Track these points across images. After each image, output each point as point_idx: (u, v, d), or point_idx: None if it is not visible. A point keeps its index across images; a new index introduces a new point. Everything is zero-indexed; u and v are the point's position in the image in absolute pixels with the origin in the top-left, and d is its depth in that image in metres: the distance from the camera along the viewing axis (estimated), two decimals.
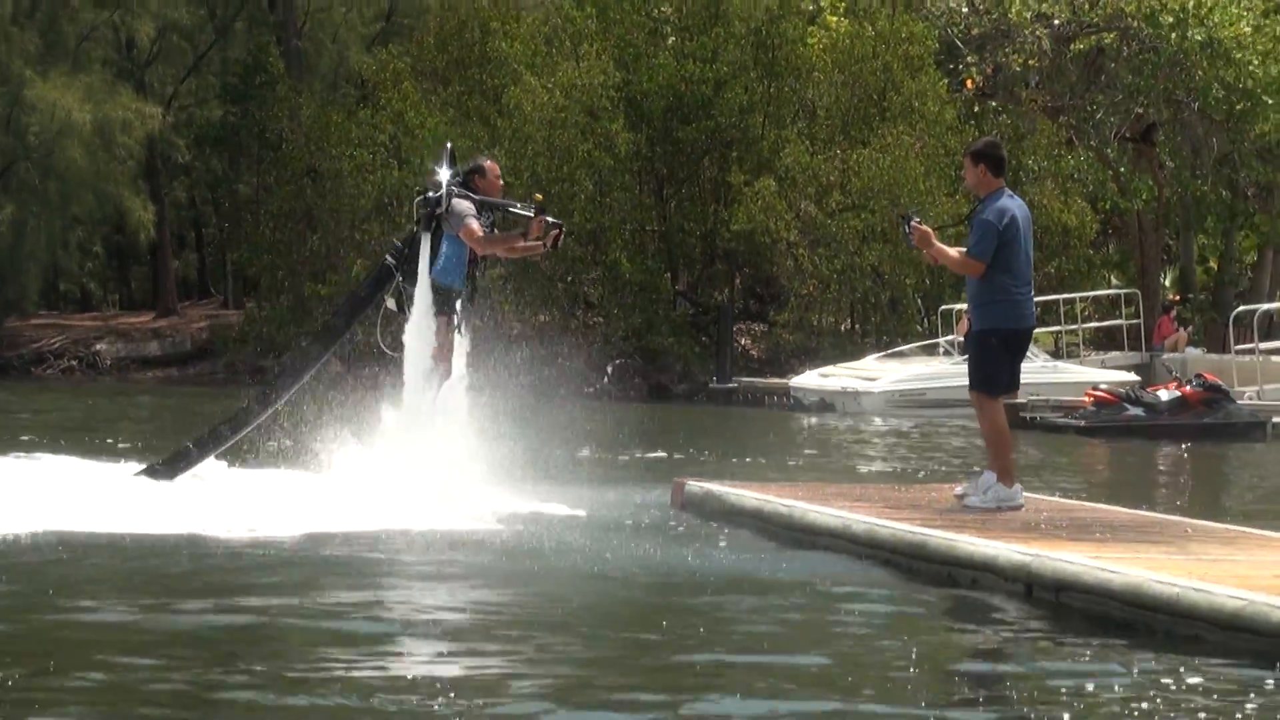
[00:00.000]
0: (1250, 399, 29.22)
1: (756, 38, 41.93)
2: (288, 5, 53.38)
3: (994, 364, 12.13)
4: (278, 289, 45.61)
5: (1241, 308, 35.33)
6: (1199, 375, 28.12)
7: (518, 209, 13.53)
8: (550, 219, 13.13)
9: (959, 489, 12.46)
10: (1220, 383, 27.54)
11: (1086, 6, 40.04)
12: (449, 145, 14.20)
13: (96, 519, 11.58)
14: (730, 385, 37.98)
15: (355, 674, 7.26)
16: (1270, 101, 39.33)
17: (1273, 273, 44.79)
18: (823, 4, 45.20)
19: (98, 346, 48.42)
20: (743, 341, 43.55)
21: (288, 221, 46.61)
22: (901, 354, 35.49)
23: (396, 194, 43.47)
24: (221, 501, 12.74)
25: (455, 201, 13.13)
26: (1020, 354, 12.27)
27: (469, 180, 13.44)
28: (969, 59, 42.13)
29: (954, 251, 12.46)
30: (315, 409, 13.87)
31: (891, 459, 21.59)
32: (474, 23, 45.55)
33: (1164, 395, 27.03)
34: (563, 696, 6.95)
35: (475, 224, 13.06)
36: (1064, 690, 7.33)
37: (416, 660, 7.72)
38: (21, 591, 9.17)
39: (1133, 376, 32.76)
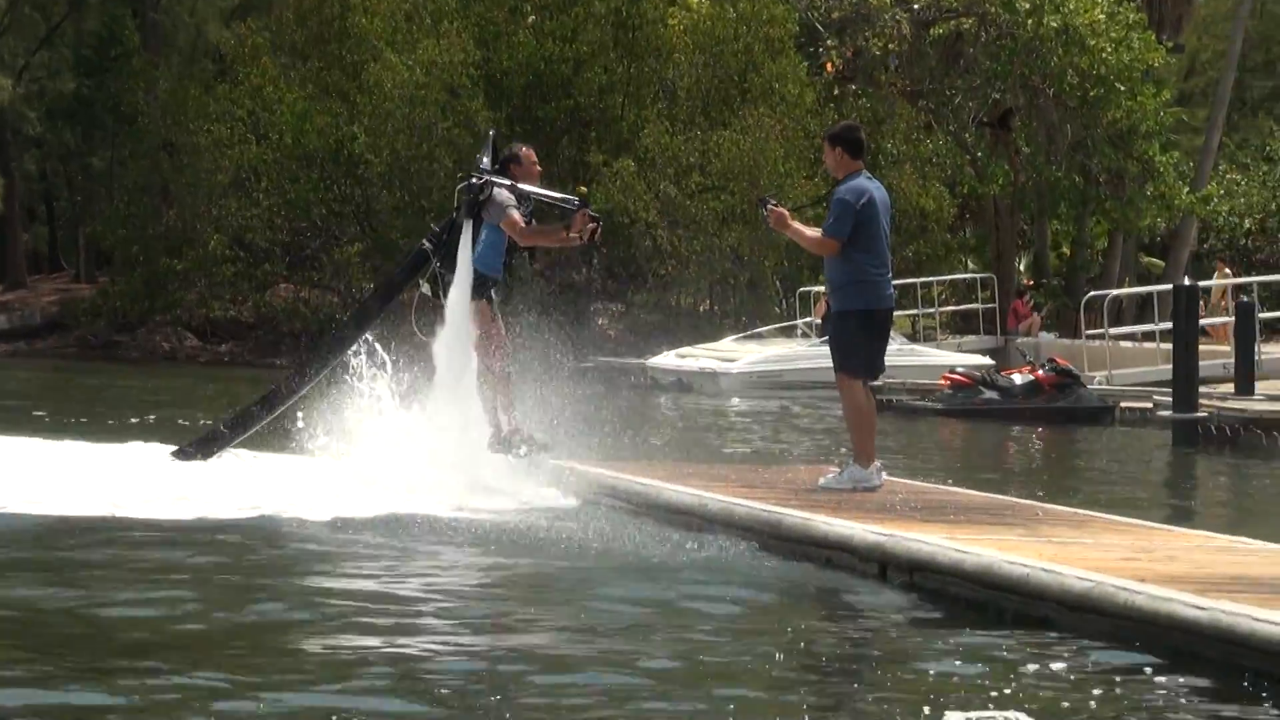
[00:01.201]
0: (1100, 383, 29.60)
1: (617, 18, 41.89)
2: None
3: (852, 344, 12.15)
4: (132, 263, 45.03)
5: (1092, 293, 35.76)
6: (1051, 360, 28.45)
7: (558, 200, 13.52)
8: (591, 212, 13.05)
9: (827, 474, 12.46)
10: (1072, 367, 27.88)
11: None
12: (491, 132, 14.03)
13: (125, 502, 11.65)
14: (587, 365, 37.92)
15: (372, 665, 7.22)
16: (1122, 89, 39.82)
17: (1123, 259, 45.38)
18: None
19: None
20: (600, 321, 43.54)
21: (143, 196, 46.05)
22: (759, 335, 35.65)
23: (254, 169, 43.10)
24: (249, 485, 12.74)
25: (496, 190, 12.95)
26: (881, 335, 12.27)
27: (505, 168, 13.26)
28: (829, 42, 42.33)
29: (811, 231, 12.48)
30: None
31: (749, 440, 21.67)
32: None
33: (1018, 379, 27.33)
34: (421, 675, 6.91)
35: (517, 214, 12.91)
36: (916, 669, 7.39)
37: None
38: (45, 578, 9.04)
39: (988, 360, 33.10)
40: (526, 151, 13.44)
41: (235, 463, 14.02)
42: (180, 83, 46.48)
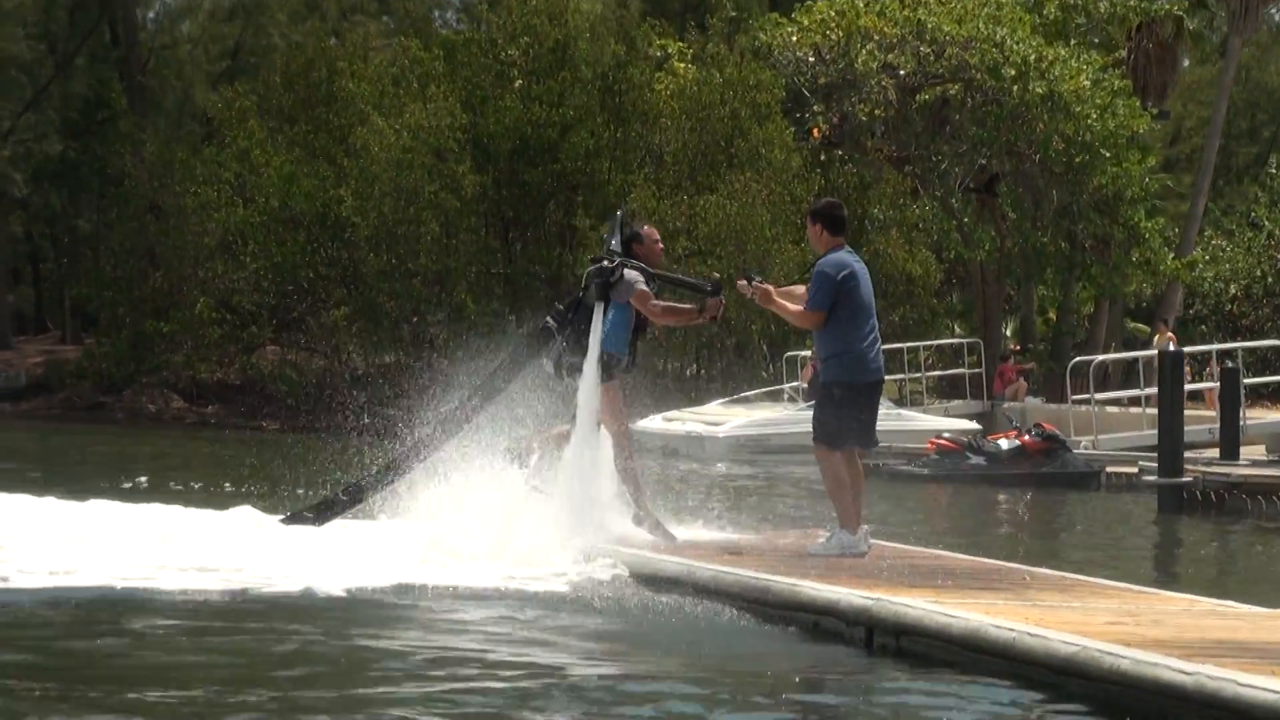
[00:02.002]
0: (1086, 448, 29.60)
1: (603, 83, 42.04)
2: (131, 40, 52.85)
3: (833, 417, 12.18)
4: (118, 325, 45.03)
5: (1078, 358, 35.80)
6: (1038, 425, 28.45)
7: (693, 283, 13.67)
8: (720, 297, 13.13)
9: (817, 541, 12.49)
10: (1058, 432, 27.88)
11: (932, 58, 40.49)
12: (619, 212, 14.03)
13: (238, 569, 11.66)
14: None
15: None
16: (1107, 155, 39.97)
17: (1109, 324, 45.47)
18: (670, 50, 45.40)
19: None
20: None
21: (129, 258, 46.07)
22: (746, 399, 35.61)
23: (241, 232, 43.12)
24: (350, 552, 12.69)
25: (627, 271, 12.96)
26: (869, 406, 12.28)
27: (628, 247, 13.27)
28: (815, 108, 42.46)
29: (794, 306, 12.50)
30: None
31: (736, 505, 21.59)
32: (321, 62, 45.31)
33: (1004, 444, 27.33)
34: None
35: (649, 289, 12.96)
36: None
37: None
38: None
39: (975, 425, 33.10)
40: (649, 230, 13.44)
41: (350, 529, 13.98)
42: (167, 145, 46.56)
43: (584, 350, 13.04)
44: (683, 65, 44.24)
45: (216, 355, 44.19)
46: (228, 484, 20.31)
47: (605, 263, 13.16)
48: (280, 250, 42.59)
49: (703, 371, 41.74)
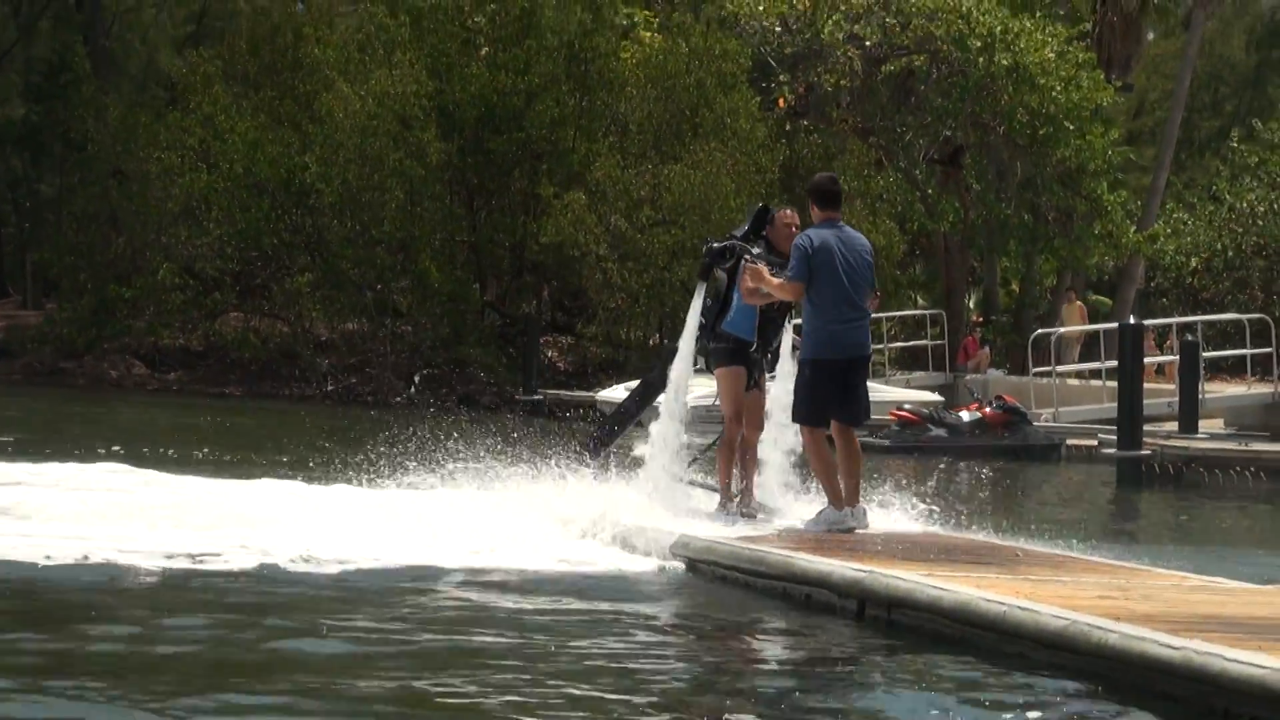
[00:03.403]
0: (1046, 421, 29.74)
1: (569, 51, 41.99)
2: (95, 4, 52.60)
3: (809, 394, 12.21)
4: (80, 291, 44.88)
5: (1040, 331, 35.92)
6: (999, 397, 28.60)
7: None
8: None
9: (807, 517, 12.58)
10: (1019, 405, 28.03)
11: (898, 29, 40.51)
12: (760, 204, 13.90)
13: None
14: (536, 397, 37.96)
15: None
16: (1071, 127, 40.05)
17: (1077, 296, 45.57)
18: (636, 19, 45.35)
19: None
20: (550, 354, 43.56)
21: (91, 223, 45.91)
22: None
23: (205, 197, 43.01)
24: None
25: (744, 258, 12.92)
26: (847, 383, 12.25)
27: (763, 228, 13.19)
28: (781, 78, 42.48)
29: (776, 279, 12.47)
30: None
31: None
32: (287, 27, 45.22)
33: (965, 416, 27.48)
34: None
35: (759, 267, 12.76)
36: (891, 705, 7.45)
37: None
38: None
39: (936, 397, 33.20)
40: (782, 214, 13.30)
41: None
42: (131, 110, 46.37)
43: (718, 339, 13.09)
44: (649, 34, 44.22)
45: (179, 321, 44.11)
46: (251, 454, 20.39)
47: (713, 244, 13.25)
48: (244, 216, 42.50)
49: (665, 341, 41.78)
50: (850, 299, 12.15)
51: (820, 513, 12.37)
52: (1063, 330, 36.87)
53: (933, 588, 9.13)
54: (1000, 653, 8.34)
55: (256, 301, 44.29)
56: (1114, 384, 25.83)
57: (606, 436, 14.37)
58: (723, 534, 11.75)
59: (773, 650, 8.96)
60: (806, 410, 12.28)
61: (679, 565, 11.34)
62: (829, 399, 12.18)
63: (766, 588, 10.46)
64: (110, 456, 17.18)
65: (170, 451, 18.87)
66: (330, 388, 41.40)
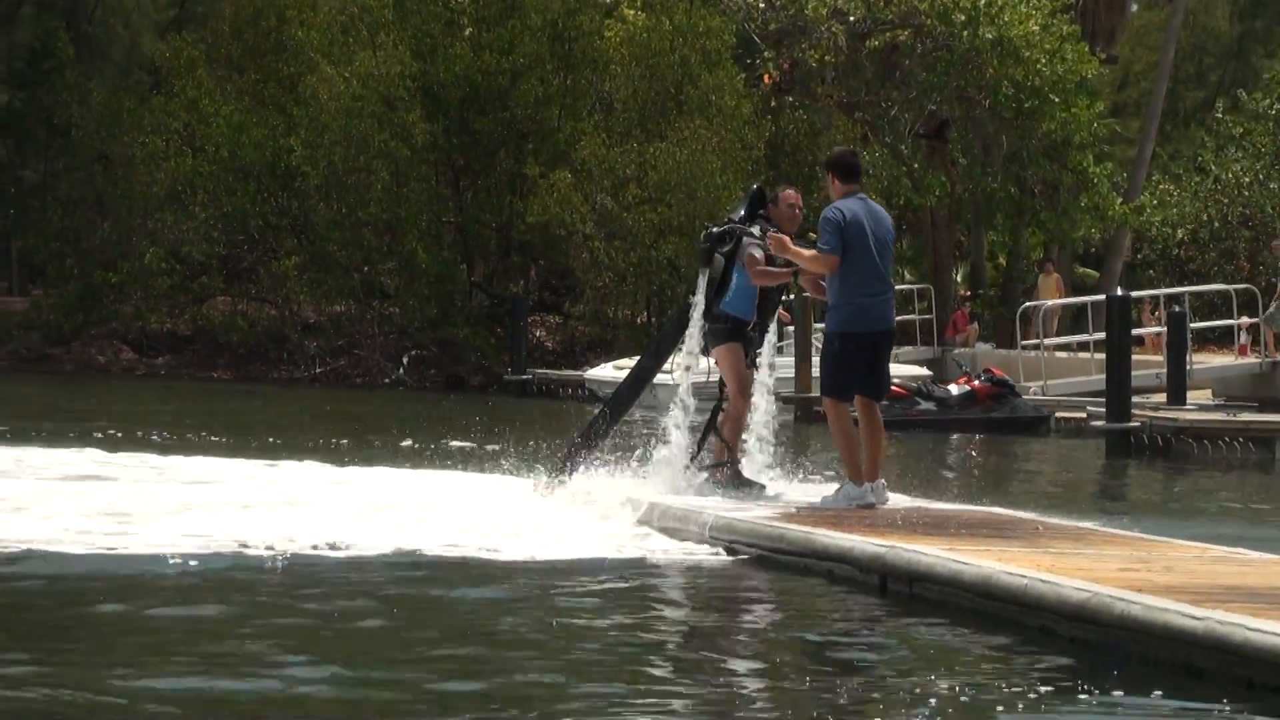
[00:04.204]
0: (1035, 394, 29.75)
1: (553, 30, 41.95)
2: None
3: (836, 367, 12.17)
4: (66, 276, 44.85)
5: (1028, 304, 35.92)
6: (987, 370, 28.60)
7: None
8: None
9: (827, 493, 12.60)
10: (1007, 378, 28.04)
11: (881, 3, 40.44)
12: (755, 185, 13.89)
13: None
14: (524, 377, 37.98)
15: None
16: (1056, 100, 40.03)
17: (1058, 269, 45.59)
18: None
19: None
20: (538, 333, 43.58)
21: (77, 209, 45.90)
22: None
23: (190, 182, 42.96)
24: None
25: (744, 239, 12.95)
26: (876, 357, 12.22)
27: (764, 208, 13.19)
28: (766, 54, 42.42)
29: (808, 251, 12.41)
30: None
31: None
32: (270, 10, 45.12)
33: (954, 390, 27.47)
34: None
35: (759, 253, 12.80)
36: (913, 679, 7.47)
37: None
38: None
39: (925, 371, 33.25)
40: (786, 194, 13.30)
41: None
42: (115, 95, 46.32)
43: (716, 319, 13.12)
44: (632, 12, 44.15)
45: (166, 306, 44.10)
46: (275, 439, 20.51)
47: (713, 229, 13.27)
48: (230, 200, 42.46)
49: (653, 319, 41.78)
50: (879, 273, 12.07)
51: (840, 488, 12.32)
52: (1048, 304, 36.90)
53: (955, 562, 9.12)
54: (1023, 625, 8.35)
55: (243, 285, 44.27)
56: (1102, 356, 25.83)
57: (579, 452, 14.32)
58: (743, 512, 11.75)
59: (795, 626, 8.97)
60: (833, 382, 12.21)
61: (700, 544, 11.32)
62: (855, 373, 12.13)
63: (788, 564, 10.48)
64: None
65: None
66: (318, 370, 41.41)
